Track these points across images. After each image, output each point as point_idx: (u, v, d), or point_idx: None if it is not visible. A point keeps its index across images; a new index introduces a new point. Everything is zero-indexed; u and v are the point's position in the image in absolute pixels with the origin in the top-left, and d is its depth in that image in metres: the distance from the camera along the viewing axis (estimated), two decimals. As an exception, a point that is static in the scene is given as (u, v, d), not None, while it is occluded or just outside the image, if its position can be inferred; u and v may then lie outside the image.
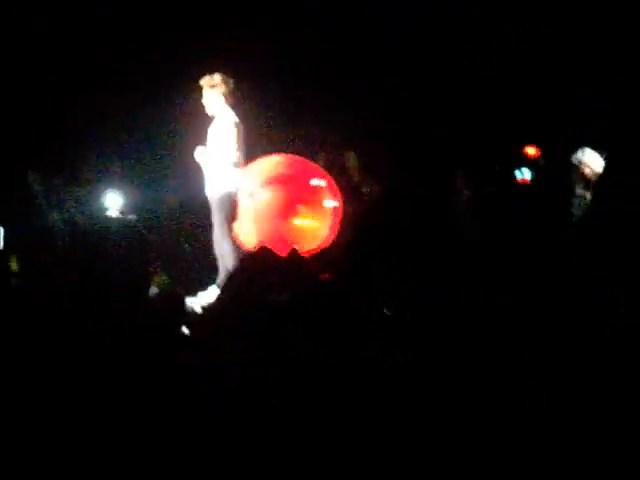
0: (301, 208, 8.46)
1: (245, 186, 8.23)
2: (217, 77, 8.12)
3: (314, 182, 8.57)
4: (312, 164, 8.84)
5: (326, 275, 5.40)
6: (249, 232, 8.43)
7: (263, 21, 10.57)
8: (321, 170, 8.85)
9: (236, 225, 8.09)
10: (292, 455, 2.81)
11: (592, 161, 8.51)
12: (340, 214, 8.64)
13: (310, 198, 8.56)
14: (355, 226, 8.70)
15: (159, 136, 10.32)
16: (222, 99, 8.12)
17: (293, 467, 2.79)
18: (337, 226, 8.58)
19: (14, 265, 7.78)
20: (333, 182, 8.76)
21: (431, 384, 2.91)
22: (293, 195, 8.49)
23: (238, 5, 10.53)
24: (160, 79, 10.26)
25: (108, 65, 10.24)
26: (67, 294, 5.50)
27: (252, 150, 8.44)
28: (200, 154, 8.02)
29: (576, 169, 8.54)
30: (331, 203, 8.64)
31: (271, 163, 8.74)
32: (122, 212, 9.83)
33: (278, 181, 8.57)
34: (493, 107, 10.99)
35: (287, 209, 8.43)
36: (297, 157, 8.81)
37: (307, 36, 10.65)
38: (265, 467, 2.84)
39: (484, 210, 9.11)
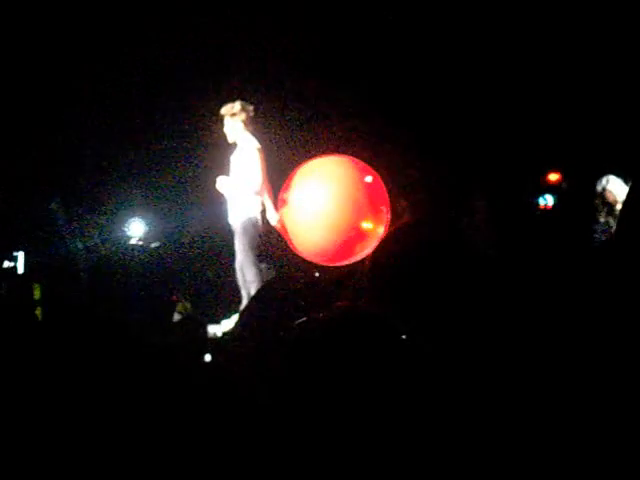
0: (367, 210, 7.97)
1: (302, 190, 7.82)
2: (237, 105, 8.15)
3: (368, 180, 8.08)
4: (364, 164, 8.24)
5: (343, 302, 5.32)
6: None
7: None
8: (372, 169, 8.27)
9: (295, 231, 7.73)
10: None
11: (616, 188, 8.47)
12: (389, 216, 8.13)
13: (371, 199, 8.05)
14: (381, 251, 8.52)
15: (182, 164, 10.34)
16: (242, 126, 8.14)
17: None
18: (387, 228, 8.09)
19: (37, 293, 7.80)
20: (380, 180, 8.22)
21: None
22: (351, 196, 7.99)
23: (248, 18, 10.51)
24: (183, 106, 10.29)
25: (131, 93, 10.28)
26: (88, 321, 5.51)
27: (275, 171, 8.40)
28: (222, 184, 8.03)
29: (600, 196, 8.51)
30: (384, 207, 8.15)
31: (322, 165, 8.10)
32: (145, 240, 9.85)
33: (342, 183, 7.99)
34: (514, 133, 10.95)
35: (357, 212, 7.86)
36: (346, 156, 8.25)
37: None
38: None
39: (505, 235, 9.06)
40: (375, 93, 10.85)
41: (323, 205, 7.73)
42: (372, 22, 10.58)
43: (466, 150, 10.69)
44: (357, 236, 7.68)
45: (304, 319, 3.77)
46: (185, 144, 10.19)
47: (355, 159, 8.18)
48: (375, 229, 7.82)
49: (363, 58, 10.67)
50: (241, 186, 8.01)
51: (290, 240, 7.82)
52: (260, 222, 8.07)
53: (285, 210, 7.79)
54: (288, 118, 10.37)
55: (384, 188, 8.12)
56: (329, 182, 7.85)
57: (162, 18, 10.10)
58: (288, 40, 10.32)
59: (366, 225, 7.79)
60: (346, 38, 10.55)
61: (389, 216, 8.00)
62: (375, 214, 7.91)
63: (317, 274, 5.85)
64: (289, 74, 10.55)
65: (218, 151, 8.41)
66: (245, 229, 8.03)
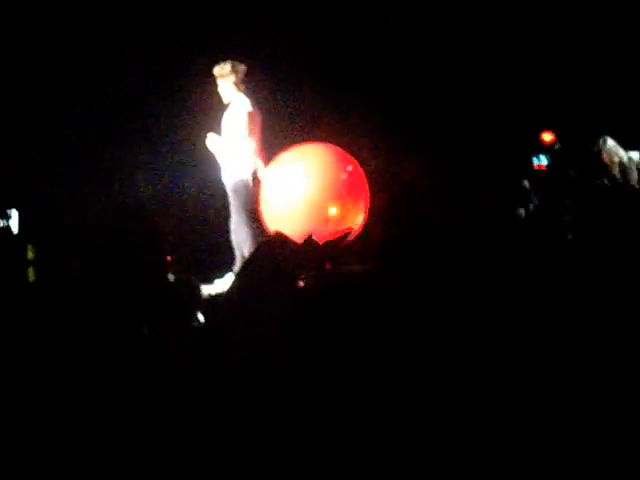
0: (338, 197, 8.17)
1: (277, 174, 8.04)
2: (227, 66, 8.14)
3: (348, 169, 8.30)
4: (342, 152, 8.48)
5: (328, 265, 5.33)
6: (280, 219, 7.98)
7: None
8: (350, 157, 8.50)
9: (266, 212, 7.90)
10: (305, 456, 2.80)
11: (612, 149, 8.47)
12: (368, 201, 8.39)
13: (346, 186, 8.27)
14: (375, 219, 8.72)
15: (177, 123, 10.28)
16: (234, 87, 8.13)
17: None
18: (367, 213, 8.36)
19: (30, 253, 7.78)
20: (361, 169, 8.46)
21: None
22: (330, 184, 8.18)
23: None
24: (180, 66, 10.21)
25: (130, 52, 10.19)
26: (83, 282, 5.50)
27: (271, 141, 8.43)
28: (212, 142, 8.03)
29: (597, 157, 8.50)
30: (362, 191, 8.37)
31: (304, 152, 8.38)
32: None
33: (314, 169, 8.19)
34: (506, 94, 10.88)
35: (325, 199, 8.06)
36: (328, 145, 8.48)
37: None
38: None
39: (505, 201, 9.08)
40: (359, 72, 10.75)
41: (300, 193, 7.86)
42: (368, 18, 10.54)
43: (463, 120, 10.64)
44: (334, 224, 7.81)
45: (301, 278, 3.77)
46: (180, 103, 10.13)
47: (336, 147, 8.29)
48: (354, 218, 8.01)
49: (360, 52, 10.62)
50: (230, 145, 8.02)
51: (266, 225, 7.94)
52: (252, 183, 8.08)
53: (263, 197, 7.92)
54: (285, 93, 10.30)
55: (363, 177, 8.26)
56: (307, 170, 7.99)
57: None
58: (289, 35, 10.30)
59: (343, 213, 7.94)
60: (346, 33, 10.51)
61: (368, 204, 8.17)
62: (353, 203, 8.07)
63: (312, 236, 5.84)
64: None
65: (213, 110, 8.38)
66: (237, 190, 8.06)
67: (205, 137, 8.11)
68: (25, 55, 10.01)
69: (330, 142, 8.48)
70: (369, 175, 8.61)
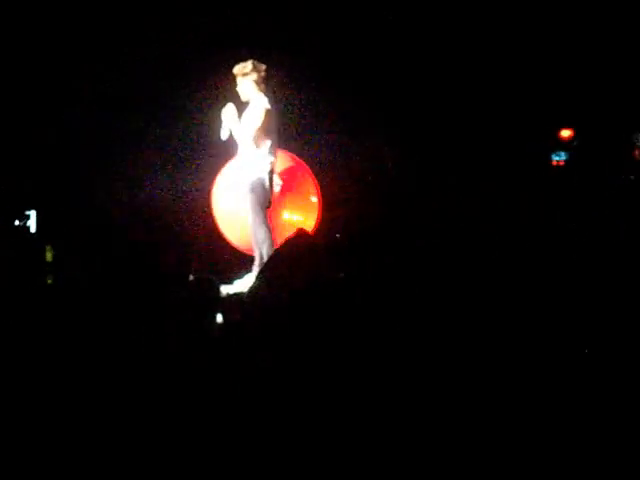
0: (289, 202, 8.70)
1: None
2: (249, 65, 8.14)
3: (299, 176, 8.92)
4: (296, 159, 9.06)
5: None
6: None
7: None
8: (304, 165, 9.07)
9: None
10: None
11: None
12: (320, 210, 8.91)
13: (297, 192, 8.83)
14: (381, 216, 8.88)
15: (194, 122, 10.27)
16: (254, 86, 8.13)
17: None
18: (318, 221, 8.85)
19: (49, 255, 7.76)
20: (314, 178, 9.03)
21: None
22: (283, 189, 8.63)
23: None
24: (202, 66, 10.22)
25: (147, 50, 10.20)
26: (101, 282, 5.48)
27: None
28: (227, 112, 8.02)
29: (628, 153, 8.49)
30: (314, 198, 8.94)
31: None
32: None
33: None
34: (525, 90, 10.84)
35: (277, 203, 8.48)
36: (284, 152, 8.89)
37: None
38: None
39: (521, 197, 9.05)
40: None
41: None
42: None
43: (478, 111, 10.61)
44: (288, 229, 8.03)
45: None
46: (199, 101, 10.13)
47: (289, 154, 8.92)
48: (305, 220, 8.65)
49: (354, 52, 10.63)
50: (249, 144, 7.99)
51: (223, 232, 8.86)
52: (268, 182, 8.06)
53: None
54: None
55: (314, 180, 8.96)
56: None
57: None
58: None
59: (296, 218, 8.62)
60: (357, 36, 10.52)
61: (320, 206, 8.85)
62: (304, 207, 8.80)
63: (338, 235, 5.86)
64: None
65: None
66: (254, 189, 8.02)
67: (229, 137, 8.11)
68: (38, 57, 10.06)
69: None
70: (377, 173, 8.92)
